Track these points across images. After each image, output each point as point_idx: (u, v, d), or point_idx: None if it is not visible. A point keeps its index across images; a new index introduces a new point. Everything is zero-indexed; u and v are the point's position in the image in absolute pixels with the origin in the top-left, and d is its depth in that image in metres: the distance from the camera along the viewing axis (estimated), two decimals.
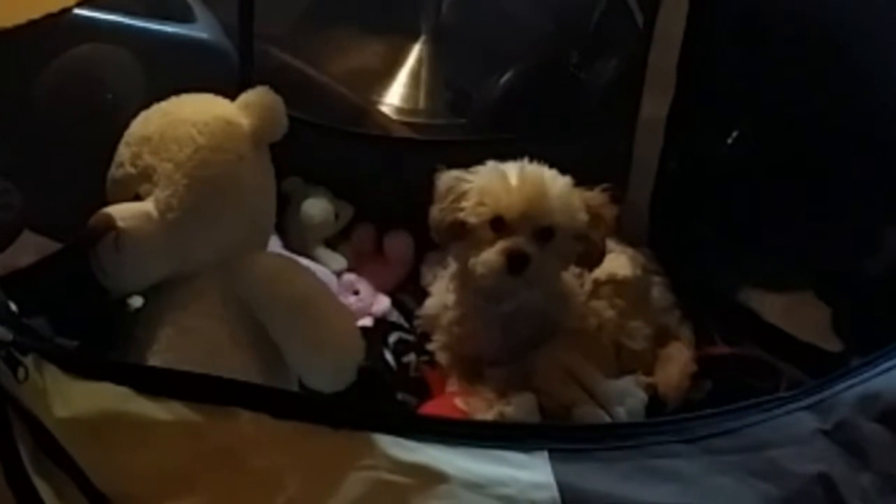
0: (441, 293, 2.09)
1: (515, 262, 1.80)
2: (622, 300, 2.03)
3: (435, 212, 1.92)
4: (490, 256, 1.82)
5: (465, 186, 1.88)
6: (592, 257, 1.92)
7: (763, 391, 1.69)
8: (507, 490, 1.18)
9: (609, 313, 2.01)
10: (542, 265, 1.83)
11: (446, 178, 1.92)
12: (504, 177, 1.86)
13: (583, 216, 1.86)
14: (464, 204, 1.87)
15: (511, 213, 1.82)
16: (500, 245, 1.81)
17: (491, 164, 1.92)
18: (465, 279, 1.95)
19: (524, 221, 1.82)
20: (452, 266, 2.03)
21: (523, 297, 1.89)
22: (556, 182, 1.86)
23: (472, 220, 1.84)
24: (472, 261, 1.84)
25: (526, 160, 1.90)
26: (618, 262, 2.05)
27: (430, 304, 2.13)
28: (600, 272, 2.01)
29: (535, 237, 1.83)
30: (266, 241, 1.84)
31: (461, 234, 1.88)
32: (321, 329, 1.64)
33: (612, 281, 2.03)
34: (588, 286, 2.03)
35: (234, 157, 1.66)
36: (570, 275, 1.99)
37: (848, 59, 1.95)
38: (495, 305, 1.92)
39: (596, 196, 1.89)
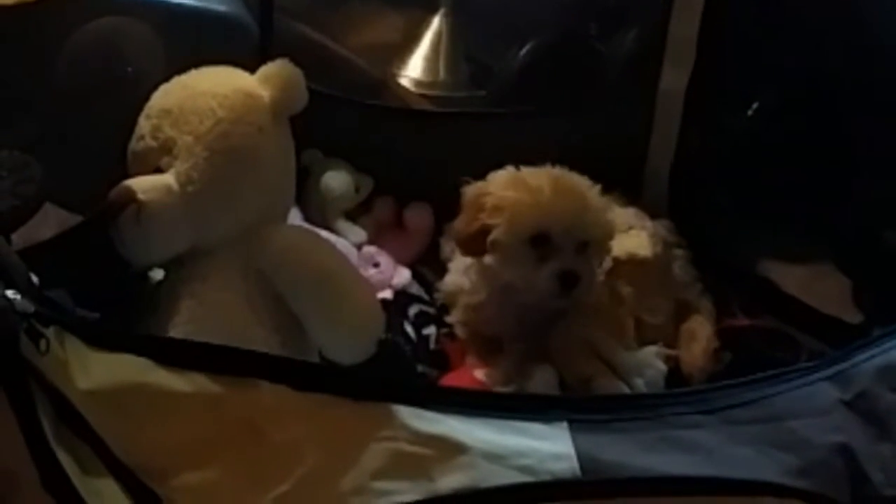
0: (458, 272, 2.09)
1: (568, 283, 1.81)
2: (642, 279, 2.03)
3: (459, 224, 1.92)
4: (539, 280, 1.82)
5: (493, 200, 1.87)
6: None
7: (783, 362, 1.69)
8: (527, 461, 1.18)
9: (628, 290, 2.01)
10: (589, 279, 1.84)
11: (471, 190, 1.92)
12: (537, 190, 1.85)
13: (612, 224, 1.86)
14: (494, 220, 1.85)
15: (555, 229, 1.81)
16: (550, 267, 1.81)
17: (510, 169, 1.92)
18: (485, 276, 1.95)
19: (568, 237, 1.82)
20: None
21: (562, 307, 1.90)
22: (592, 193, 1.87)
23: (507, 239, 1.84)
24: (511, 275, 1.85)
25: (548, 166, 1.89)
26: (638, 240, 2.05)
27: (448, 281, 2.13)
28: (620, 252, 2.01)
29: (576, 251, 1.83)
30: (286, 214, 1.84)
31: (485, 246, 1.87)
32: (341, 301, 1.64)
33: (632, 261, 2.03)
34: (608, 265, 2.02)
35: (255, 130, 1.66)
36: None
37: (869, 30, 1.94)
38: (515, 296, 1.92)
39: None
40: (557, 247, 1.82)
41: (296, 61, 1.73)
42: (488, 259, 1.89)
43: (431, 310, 2.17)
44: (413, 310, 2.16)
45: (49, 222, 1.65)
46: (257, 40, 2.22)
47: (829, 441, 1.24)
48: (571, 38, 2.66)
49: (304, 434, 1.18)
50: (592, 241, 1.84)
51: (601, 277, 2.00)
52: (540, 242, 1.82)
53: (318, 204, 2.32)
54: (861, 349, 1.33)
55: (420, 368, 1.98)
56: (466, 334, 2.04)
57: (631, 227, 2.02)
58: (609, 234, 1.87)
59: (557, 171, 1.88)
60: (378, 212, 2.40)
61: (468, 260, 2.02)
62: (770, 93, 2.19)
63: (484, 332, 2.02)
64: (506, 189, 1.88)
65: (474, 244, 1.89)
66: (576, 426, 1.21)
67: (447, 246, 2.25)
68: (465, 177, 1.94)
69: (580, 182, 1.87)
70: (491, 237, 1.85)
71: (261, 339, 1.61)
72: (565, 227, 1.81)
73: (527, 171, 1.89)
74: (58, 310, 1.19)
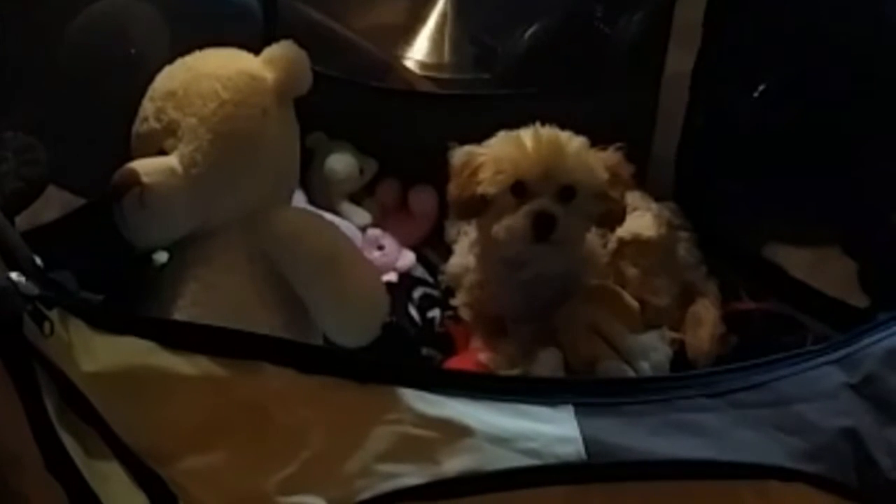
0: (463, 253, 2.09)
1: (542, 224, 1.79)
2: (647, 259, 2.03)
3: (452, 188, 1.91)
4: (514, 221, 1.80)
5: (480, 160, 1.87)
6: (614, 216, 1.90)
7: (789, 346, 1.69)
8: (533, 444, 1.18)
9: (632, 271, 2.01)
10: (568, 225, 1.81)
11: (460, 153, 1.91)
12: (519, 142, 1.85)
13: (602, 173, 1.84)
14: (480, 176, 1.85)
15: (531, 175, 1.81)
16: (525, 208, 1.80)
17: (503, 133, 1.91)
18: (486, 247, 1.95)
19: (545, 183, 1.81)
20: (473, 232, 2.03)
21: (545, 262, 1.88)
22: (571, 141, 1.85)
23: (491, 189, 1.83)
24: (495, 228, 1.83)
25: (538, 123, 1.88)
26: (642, 221, 2.05)
27: (454, 263, 2.14)
28: (625, 232, 2.01)
29: (557, 198, 1.81)
30: (290, 196, 1.85)
31: (482, 208, 1.87)
32: (346, 284, 1.64)
33: (637, 241, 2.03)
34: (612, 246, 2.02)
35: (259, 112, 1.66)
36: (592, 235, 1.98)
37: (878, 10, 1.94)
38: (516, 272, 1.91)
39: (611, 155, 1.88)
40: (535, 193, 1.81)
41: (300, 43, 1.73)
42: (482, 219, 1.90)
43: (436, 293, 2.18)
44: (418, 293, 2.16)
45: (53, 205, 1.65)
46: (261, 22, 2.21)
47: (836, 425, 1.24)
48: (576, 20, 2.65)
49: (309, 417, 1.18)
50: (578, 187, 1.82)
51: (605, 259, 2.00)
52: (520, 191, 1.82)
53: (322, 186, 2.32)
54: (868, 333, 1.33)
55: (425, 351, 1.98)
56: (471, 316, 2.04)
57: (635, 209, 2.01)
58: (596, 181, 1.84)
59: (542, 127, 1.88)
60: (382, 194, 2.40)
61: (473, 238, 2.02)
62: (776, 75, 2.18)
63: (489, 313, 2.02)
64: (492, 146, 1.89)
65: (469, 206, 1.89)
66: (581, 409, 1.21)
67: (452, 228, 2.25)
68: (451, 142, 1.94)
69: (561, 133, 1.86)
70: (478, 190, 1.85)
71: (265, 322, 1.61)
72: (541, 172, 1.81)
73: (518, 130, 1.89)
74: (62, 292, 1.19)
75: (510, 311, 1.99)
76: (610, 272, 2.01)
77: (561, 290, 1.95)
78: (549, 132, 1.86)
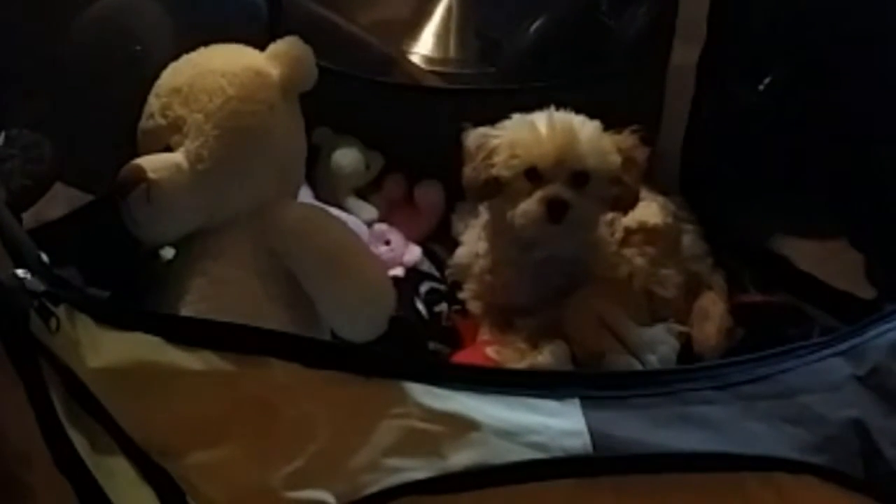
0: (472, 242, 2.09)
1: (555, 210, 1.80)
2: (653, 248, 2.03)
3: (468, 171, 1.91)
4: (529, 206, 1.81)
5: (494, 142, 1.88)
6: (626, 200, 1.91)
7: (796, 338, 1.69)
8: (539, 437, 1.18)
9: (640, 261, 2.01)
10: (581, 211, 1.82)
11: (474, 136, 1.92)
12: (533, 127, 1.86)
13: (615, 158, 1.85)
14: (495, 159, 1.86)
15: (545, 161, 1.82)
16: (539, 194, 1.81)
17: (517, 116, 1.92)
18: (498, 230, 1.95)
19: (559, 168, 1.82)
20: (484, 215, 2.03)
21: (557, 242, 1.88)
22: (585, 126, 1.86)
23: (506, 173, 1.84)
24: (509, 213, 1.84)
25: (552, 108, 1.89)
26: (649, 210, 2.04)
27: (462, 253, 2.13)
28: (631, 220, 2.01)
29: (570, 183, 1.82)
30: (296, 192, 1.85)
31: (496, 191, 1.88)
32: (353, 279, 1.64)
33: (643, 229, 2.02)
34: (619, 234, 2.02)
35: (264, 108, 1.66)
36: (601, 223, 1.98)
37: (882, 1, 1.94)
38: (528, 253, 1.91)
39: (626, 138, 1.89)
40: (549, 178, 1.83)
41: (305, 38, 1.73)
42: (495, 201, 1.92)
43: (443, 287, 2.17)
44: (424, 287, 2.16)
45: (59, 202, 1.65)
46: (266, 18, 2.22)
47: (842, 416, 1.23)
48: (581, 14, 2.66)
49: (315, 411, 1.18)
50: (591, 172, 1.83)
51: (613, 248, 2.00)
52: (533, 176, 1.83)
53: (328, 182, 2.32)
54: (874, 324, 1.32)
55: (431, 346, 1.97)
56: (480, 308, 2.04)
57: (642, 199, 2.01)
58: (609, 166, 1.85)
59: (556, 112, 1.89)
60: (388, 189, 2.39)
61: (483, 221, 2.03)
62: (782, 66, 2.18)
63: (498, 302, 2.02)
64: (506, 129, 1.91)
65: (484, 188, 1.90)
66: (588, 402, 1.21)
67: (459, 222, 2.25)
68: (465, 123, 1.95)
69: (574, 118, 1.88)
70: (493, 172, 1.86)
71: (272, 317, 1.61)
72: (555, 158, 1.82)
73: (533, 115, 1.91)
74: (68, 288, 1.19)
75: (519, 296, 1.99)
76: (618, 261, 2.00)
77: (570, 276, 1.96)
78: (562, 117, 1.87)
